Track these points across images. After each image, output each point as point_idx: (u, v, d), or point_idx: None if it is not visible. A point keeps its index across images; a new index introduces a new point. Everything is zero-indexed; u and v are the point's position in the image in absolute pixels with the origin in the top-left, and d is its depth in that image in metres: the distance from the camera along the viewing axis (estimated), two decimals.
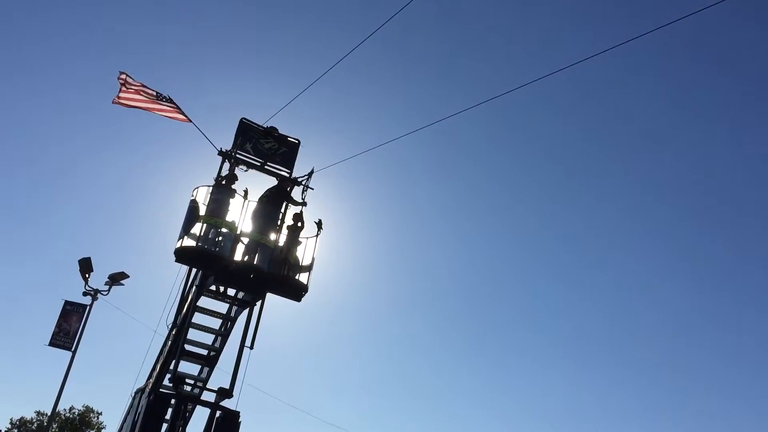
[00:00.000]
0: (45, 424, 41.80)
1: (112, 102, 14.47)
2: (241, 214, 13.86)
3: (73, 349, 25.60)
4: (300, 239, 14.46)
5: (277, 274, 13.88)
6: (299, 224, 14.50)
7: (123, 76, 14.78)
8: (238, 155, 14.84)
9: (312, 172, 15.23)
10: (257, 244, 13.96)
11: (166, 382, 13.92)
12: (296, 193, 15.26)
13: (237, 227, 13.74)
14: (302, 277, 14.22)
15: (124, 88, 14.65)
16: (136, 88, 14.78)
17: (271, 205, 14.42)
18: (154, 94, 14.92)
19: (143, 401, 13.73)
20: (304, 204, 14.85)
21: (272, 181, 15.26)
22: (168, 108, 14.81)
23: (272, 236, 14.15)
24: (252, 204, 14.09)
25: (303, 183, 15.20)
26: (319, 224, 14.51)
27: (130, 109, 14.69)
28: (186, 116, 14.61)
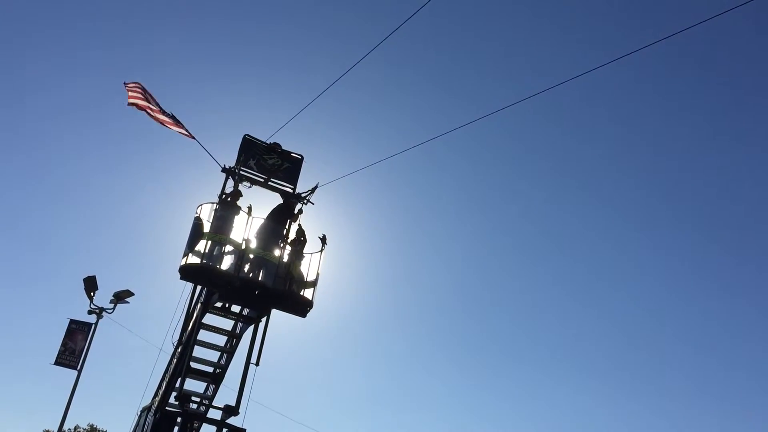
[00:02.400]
0: None
1: (128, 104, 14.59)
2: (245, 230, 13.88)
3: (78, 367, 25.55)
4: (303, 254, 14.46)
5: (282, 289, 13.86)
6: (302, 239, 14.51)
7: (132, 85, 14.86)
8: (241, 172, 14.86)
9: (316, 187, 15.25)
10: (262, 260, 13.96)
11: (172, 399, 13.87)
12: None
13: (241, 244, 13.74)
14: (307, 293, 14.21)
15: (133, 93, 14.73)
16: (145, 95, 14.87)
17: (275, 221, 14.44)
18: (160, 108, 15.00)
19: (149, 419, 13.69)
20: (300, 212, 14.87)
21: (276, 197, 15.29)
22: (172, 123, 14.86)
23: (276, 252, 14.16)
24: (257, 220, 14.11)
25: (304, 196, 15.22)
26: (323, 240, 14.51)
27: (141, 112, 14.67)
28: (189, 133, 14.64)
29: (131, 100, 14.55)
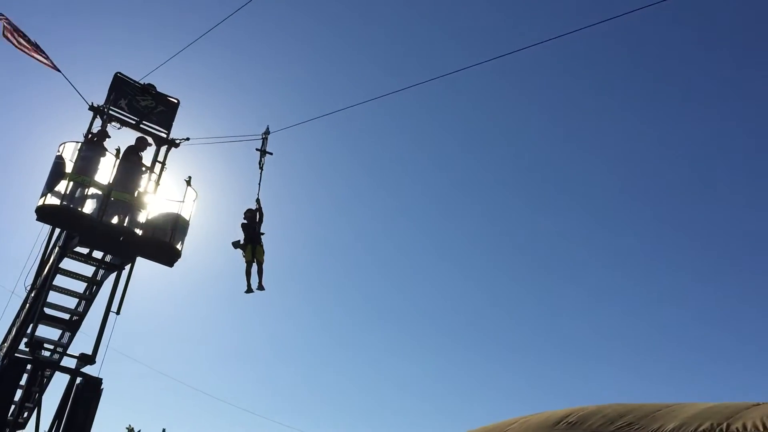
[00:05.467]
0: None
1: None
2: (111, 173, 13.28)
3: None
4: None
5: (148, 237, 13.45)
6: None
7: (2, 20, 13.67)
8: (111, 112, 14.15)
9: (267, 132, 13.98)
10: (127, 205, 13.43)
11: (22, 346, 13.22)
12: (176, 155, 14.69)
13: (106, 187, 13.14)
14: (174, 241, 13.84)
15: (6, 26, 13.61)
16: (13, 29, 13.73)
17: (131, 163, 13.74)
18: (28, 39, 13.90)
19: None
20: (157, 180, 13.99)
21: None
22: (35, 51, 13.83)
23: (145, 198, 13.68)
24: (124, 164, 13.52)
25: (259, 149, 13.88)
26: (188, 182, 13.99)
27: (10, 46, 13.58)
28: (54, 65, 13.69)
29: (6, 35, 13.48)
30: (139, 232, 13.39)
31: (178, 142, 14.79)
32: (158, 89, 14.67)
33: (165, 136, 14.78)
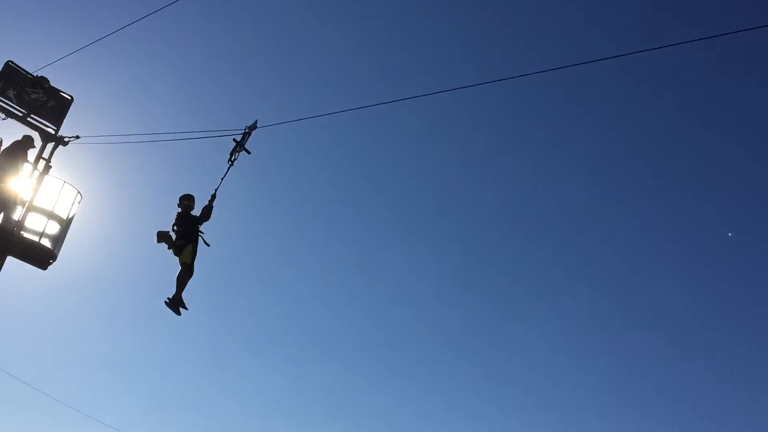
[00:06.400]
0: None
1: None
2: None
3: None
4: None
5: (24, 237, 12.86)
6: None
7: None
8: None
9: (254, 126, 11.19)
10: (3, 201, 12.77)
11: None
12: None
13: None
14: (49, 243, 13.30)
15: None
16: None
17: (10, 156, 13.06)
18: None
19: None
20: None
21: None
22: None
23: (21, 194, 13.08)
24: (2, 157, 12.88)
25: (239, 141, 11.21)
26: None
27: None
28: None
29: None
30: (12, 230, 12.74)
31: (66, 140, 14.23)
32: (55, 84, 14.12)
33: (53, 132, 14.20)
